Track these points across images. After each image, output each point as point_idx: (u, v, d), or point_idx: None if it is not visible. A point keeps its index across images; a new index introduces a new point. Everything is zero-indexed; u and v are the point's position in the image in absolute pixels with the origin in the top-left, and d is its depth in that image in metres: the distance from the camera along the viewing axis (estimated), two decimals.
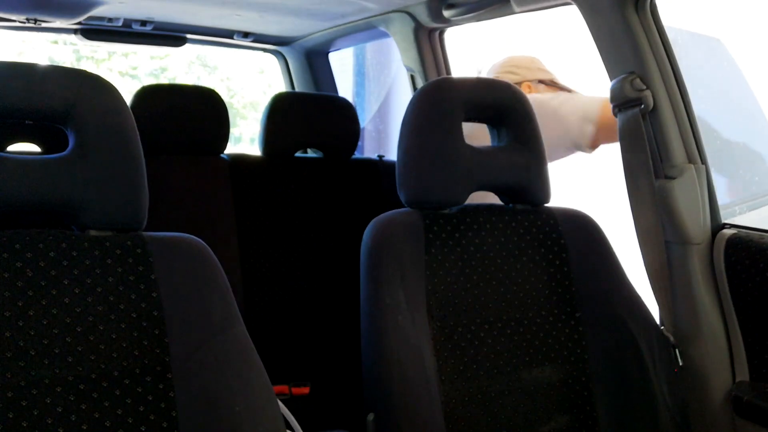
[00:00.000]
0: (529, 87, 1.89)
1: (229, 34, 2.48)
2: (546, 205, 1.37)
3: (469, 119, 1.32)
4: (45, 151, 1.73)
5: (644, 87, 1.34)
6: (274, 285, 1.98)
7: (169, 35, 2.44)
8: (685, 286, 1.37)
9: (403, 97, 3.19)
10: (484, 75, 2.00)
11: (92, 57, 4.91)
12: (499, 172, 1.31)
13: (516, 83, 1.88)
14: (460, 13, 1.87)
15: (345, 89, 3.43)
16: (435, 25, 2.05)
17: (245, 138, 5.19)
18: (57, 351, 0.91)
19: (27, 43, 4.52)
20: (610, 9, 1.35)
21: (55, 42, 4.59)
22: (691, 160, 1.36)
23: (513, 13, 1.75)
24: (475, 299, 1.27)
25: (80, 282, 0.94)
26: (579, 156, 1.85)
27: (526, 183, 1.32)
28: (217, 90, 2.03)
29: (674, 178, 1.35)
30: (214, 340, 0.98)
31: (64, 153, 0.96)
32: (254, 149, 2.81)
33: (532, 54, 1.96)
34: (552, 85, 1.92)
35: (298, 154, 2.17)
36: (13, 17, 2.07)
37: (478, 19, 1.89)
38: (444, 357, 1.22)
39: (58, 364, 0.91)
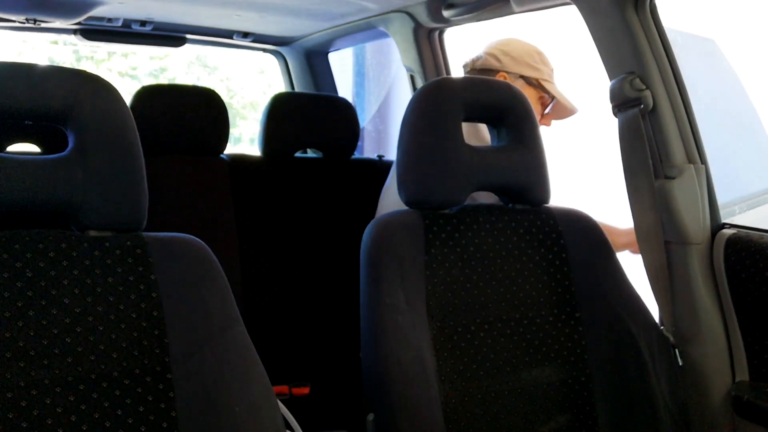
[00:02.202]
0: (505, 78, 1.73)
1: (228, 34, 2.48)
2: (546, 205, 1.37)
3: (469, 119, 1.33)
4: (45, 151, 1.73)
5: (644, 87, 1.34)
6: (274, 285, 1.98)
7: (169, 35, 2.44)
8: (685, 286, 1.37)
9: (402, 97, 3.19)
10: (473, 57, 1.82)
11: (92, 57, 4.91)
12: (499, 172, 1.31)
13: (494, 69, 1.75)
14: (459, 13, 1.87)
15: (345, 89, 3.43)
16: (434, 25, 2.05)
17: (245, 138, 5.19)
18: (57, 351, 0.91)
19: (27, 44, 4.52)
20: (610, 9, 1.35)
21: (55, 42, 4.59)
22: (690, 160, 1.36)
23: (512, 13, 1.75)
24: (475, 299, 1.27)
25: (80, 282, 0.94)
26: (579, 156, 1.85)
27: (525, 183, 1.32)
28: (217, 90, 2.03)
29: (674, 178, 1.35)
30: (214, 340, 0.98)
31: (63, 153, 0.96)
32: (254, 149, 2.81)
33: (538, 46, 1.79)
34: (535, 85, 1.75)
35: (297, 154, 2.17)
36: (13, 17, 2.08)
37: (478, 19, 1.88)
38: (444, 357, 1.22)
39: (58, 364, 0.91)
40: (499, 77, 1.74)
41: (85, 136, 0.95)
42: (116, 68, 5.00)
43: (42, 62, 0.99)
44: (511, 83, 1.70)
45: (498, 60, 1.75)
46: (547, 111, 1.79)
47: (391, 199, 1.66)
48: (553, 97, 1.76)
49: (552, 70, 1.79)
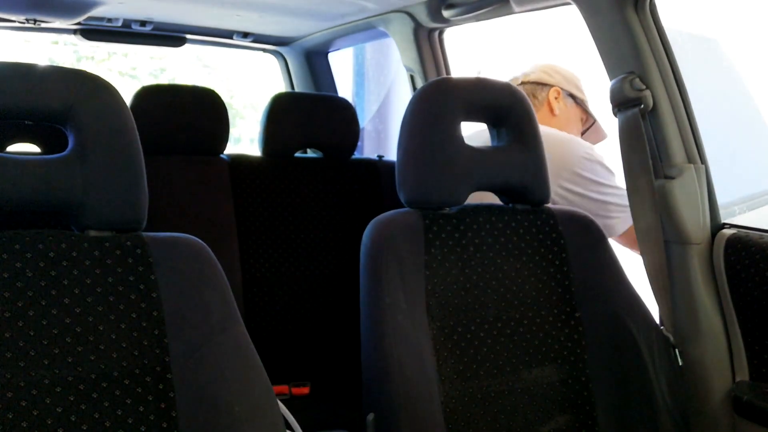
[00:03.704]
0: (558, 93, 1.84)
1: (228, 34, 2.48)
2: (546, 205, 1.37)
3: (469, 119, 1.33)
4: (45, 152, 1.73)
5: (644, 87, 1.34)
6: (274, 285, 1.98)
7: (169, 35, 2.44)
8: (685, 286, 1.37)
9: (402, 97, 3.19)
10: (523, 72, 1.92)
11: (92, 57, 4.91)
12: (499, 172, 1.31)
13: (547, 84, 1.85)
14: (459, 13, 1.87)
15: (345, 89, 3.43)
16: (434, 25, 2.05)
17: (245, 138, 5.18)
18: (57, 351, 0.91)
19: (29, 44, 4.52)
20: (610, 9, 1.35)
21: (56, 42, 4.59)
22: (690, 160, 1.36)
23: (512, 13, 1.75)
24: (475, 299, 1.27)
25: (80, 282, 0.94)
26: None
27: (525, 183, 1.32)
28: (217, 90, 2.03)
29: (674, 178, 1.35)
30: (214, 340, 0.98)
31: (63, 153, 0.96)
32: (254, 149, 2.81)
33: (578, 73, 1.91)
34: (581, 105, 1.86)
35: (297, 154, 2.17)
36: (13, 17, 2.08)
37: (478, 19, 1.89)
38: (444, 357, 1.22)
39: (58, 364, 0.91)
40: (553, 92, 1.85)
41: (84, 136, 0.95)
42: (116, 68, 5.00)
43: (42, 62, 0.99)
44: (562, 98, 1.85)
45: (551, 76, 1.85)
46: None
47: None
48: (593, 120, 1.88)
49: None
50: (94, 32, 2.30)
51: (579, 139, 1.74)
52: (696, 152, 1.37)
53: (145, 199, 1.01)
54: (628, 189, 1.39)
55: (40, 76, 0.94)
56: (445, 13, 1.91)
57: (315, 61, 2.69)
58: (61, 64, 2.42)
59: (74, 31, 2.29)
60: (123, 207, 0.98)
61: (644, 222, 1.37)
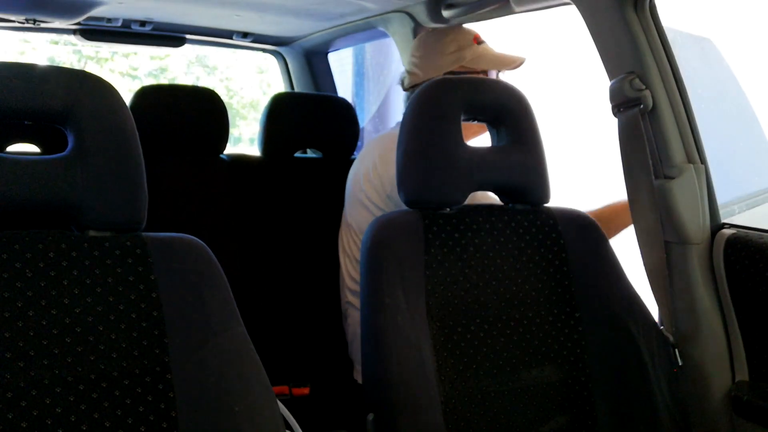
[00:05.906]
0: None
1: (228, 34, 2.48)
2: (545, 205, 1.37)
3: (469, 119, 1.33)
4: (44, 152, 1.73)
5: (643, 87, 1.34)
6: (274, 285, 1.98)
7: (169, 35, 2.44)
8: (685, 286, 1.37)
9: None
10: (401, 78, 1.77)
11: (94, 57, 4.92)
12: (498, 172, 1.31)
13: (420, 83, 1.64)
14: (459, 13, 1.87)
15: (344, 89, 3.43)
16: (434, 25, 2.05)
17: (245, 138, 5.19)
18: (56, 351, 0.91)
19: (29, 43, 4.53)
20: (610, 9, 1.35)
21: (56, 42, 4.59)
22: (690, 160, 1.36)
23: (512, 13, 1.74)
24: (475, 299, 1.27)
25: (80, 282, 0.94)
26: (579, 156, 1.84)
27: (525, 183, 1.32)
28: (216, 90, 2.03)
29: (673, 178, 1.35)
30: (213, 340, 0.98)
31: (63, 153, 0.96)
32: (254, 149, 2.81)
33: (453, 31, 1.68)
34: (467, 71, 1.64)
35: (297, 154, 2.17)
36: (13, 17, 2.08)
37: (478, 19, 1.88)
38: (444, 357, 1.22)
39: (58, 364, 0.91)
40: None
41: (84, 136, 0.95)
42: (117, 68, 5.01)
43: (42, 62, 0.99)
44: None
45: (416, 74, 1.69)
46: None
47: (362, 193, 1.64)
48: (496, 68, 1.66)
49: (472, 37, 1.68)
50: (94, 32, 2.30)
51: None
52: (696, 152, 1.37)
53: (145, 199, 1.01)
54: (628, 189, 1.39)
55: (40, 76, 0.94)
56: (445, 13, 1.91)
57: (315, 61, 2.69)
58: (62, 64, 2.42)
59: (74, 31, 2.29)
60: (123, 207, 0.98)
61: (644, 222, 1.37)
